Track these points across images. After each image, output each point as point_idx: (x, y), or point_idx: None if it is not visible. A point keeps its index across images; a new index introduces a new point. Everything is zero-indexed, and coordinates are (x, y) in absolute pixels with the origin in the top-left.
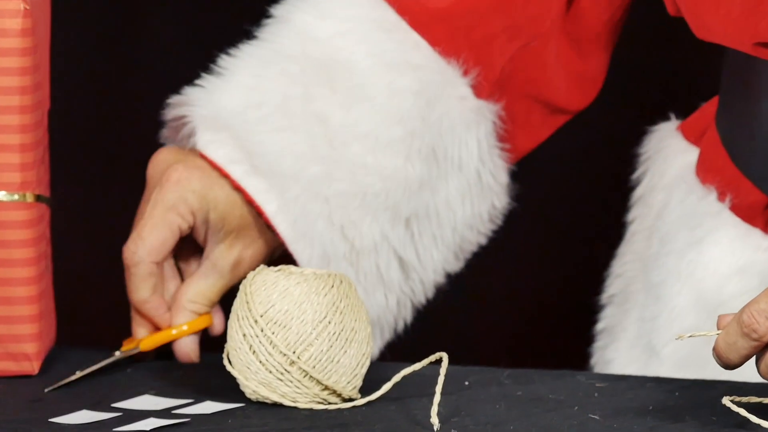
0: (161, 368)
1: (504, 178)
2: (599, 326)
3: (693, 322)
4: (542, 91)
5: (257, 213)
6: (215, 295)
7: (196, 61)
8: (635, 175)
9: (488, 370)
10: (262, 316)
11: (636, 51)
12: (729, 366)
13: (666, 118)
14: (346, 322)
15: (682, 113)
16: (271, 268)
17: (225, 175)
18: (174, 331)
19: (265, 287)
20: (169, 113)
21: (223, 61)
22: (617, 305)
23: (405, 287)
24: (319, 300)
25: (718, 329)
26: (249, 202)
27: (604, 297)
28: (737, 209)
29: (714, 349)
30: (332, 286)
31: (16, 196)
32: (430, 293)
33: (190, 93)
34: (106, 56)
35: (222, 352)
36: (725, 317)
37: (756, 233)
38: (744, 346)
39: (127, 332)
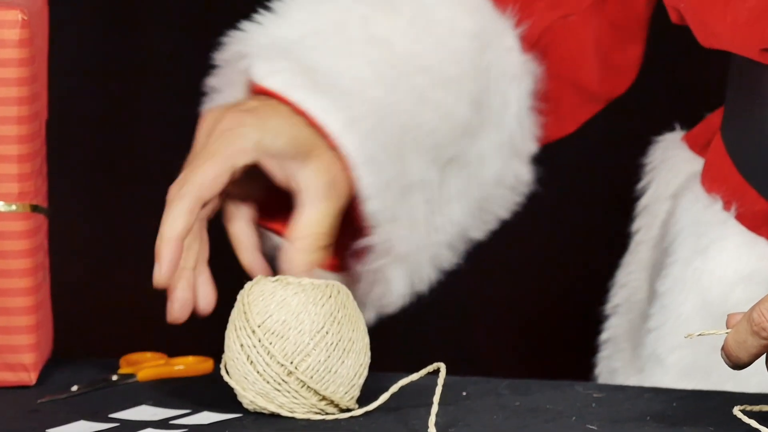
0: (159, 379)
1: (531, 147)
2: (604, 336)
3: (698, 330)
4: (576, 72)
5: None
6: (327, 222)
7: (194, 70)
8: (640, 185)
9: (486, 380)
10: (259, 326)
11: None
12: (738, 365)
13: (671, 129)
14: (343, 332)
15: (687, 124)
16: (269, 278)
17: (285, 103)
18: (176, 367)
19: (263, 297)
20: (223, 54)
21: (274, 1)
22: (622, 315)
23: (429, 232)
24: (317, 310)
25: (728, 328)
26: (312, 126)
27: (609, 307)
28: (743, 218)
29: (723, 348)
30: (330, 297)
31: (13, 207)
32: (442, 252)
33: (245, 27)
34: (104, 66)
35: (219, 362)
36: (734, 316)
37: (761, 242)
38: (753, 344)
39: (124, 342)
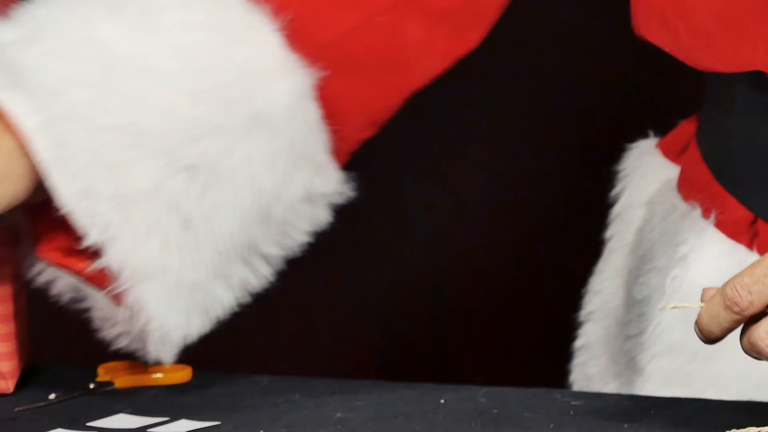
0: (136, 387)
1: (323, 156)
2: (578, 343)
3: (678, 338)
4: (408, 77)
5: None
6: None
7: None
8: (613, 192)
9: (463, 388)
10: None
11: (614, 67)
12: (710, 339)
13: (644, 135)
14: None
15: (661, 130)
16: None
17: None
18: (154, 375)
19: None
20: None
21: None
22: (597, 321)
23: (188, 246)
24: None
25: (702, 302)
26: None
27: (583, 314)
28: (722, 226)
29: (696, 322)
30: None
31: None
32: (231, 269)
33: None
34: None
35: (197, 370)
36: (710, 290)
37: (741, 249)
38: (726, 319)
39: (102, 350)
